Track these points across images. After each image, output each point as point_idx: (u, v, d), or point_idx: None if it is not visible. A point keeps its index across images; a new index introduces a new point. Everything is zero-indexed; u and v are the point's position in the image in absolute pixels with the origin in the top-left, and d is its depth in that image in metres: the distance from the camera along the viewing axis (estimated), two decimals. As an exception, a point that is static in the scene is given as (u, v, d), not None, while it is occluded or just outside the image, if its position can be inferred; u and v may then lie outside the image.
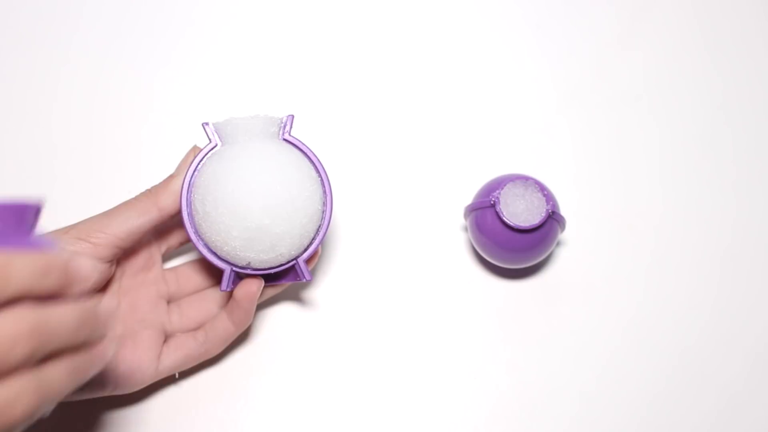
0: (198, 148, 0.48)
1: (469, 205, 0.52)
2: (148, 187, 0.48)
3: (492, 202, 0.49)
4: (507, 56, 0.61)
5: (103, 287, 0.48)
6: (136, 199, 0.47)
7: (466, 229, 0.55)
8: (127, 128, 0.59)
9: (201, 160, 0.46)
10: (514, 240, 0.50)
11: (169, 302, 0.50)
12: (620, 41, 0.61)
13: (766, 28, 0.62)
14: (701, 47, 0.62)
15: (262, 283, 0.47)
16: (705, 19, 0.62)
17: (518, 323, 0.54)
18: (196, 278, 0.51)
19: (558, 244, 0.55)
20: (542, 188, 0.50)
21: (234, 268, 0.46)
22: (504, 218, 0.49)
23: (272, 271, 0.46)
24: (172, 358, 0.48)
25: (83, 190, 0.56)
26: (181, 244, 0.52)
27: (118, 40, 0.61)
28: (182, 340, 0.48)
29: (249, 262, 0.45)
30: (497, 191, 0.50)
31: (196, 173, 0.46)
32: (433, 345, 0.53)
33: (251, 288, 0.46)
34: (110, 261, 0.47)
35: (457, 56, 0.61)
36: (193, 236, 0.45)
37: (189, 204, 0.46)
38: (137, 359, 0.46)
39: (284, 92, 0.60)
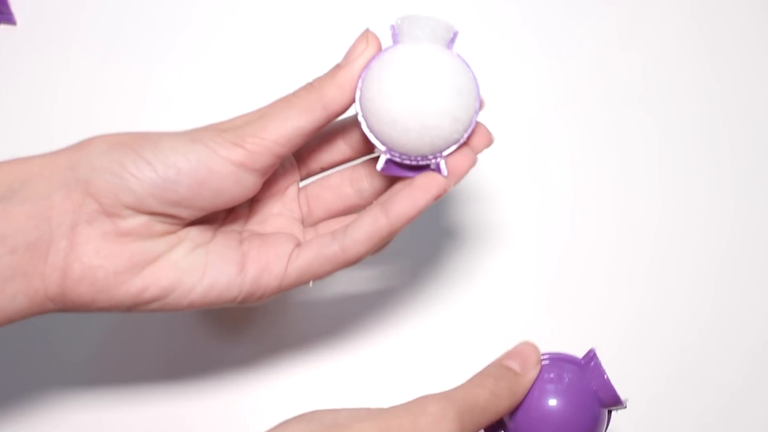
0: (371, 33, 0.40)
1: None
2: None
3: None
4: (506, 56, 0.61)
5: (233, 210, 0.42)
6: (296, 95, 0.40)
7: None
8: (126, 123, 0.58)
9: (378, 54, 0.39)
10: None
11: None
12: (620, 41, 0.62)
13: (766, 28, 0.62)
14: (701, 48, 0.62)
15: (476, 160, 0.41)
16: (705, 20, 0.62)
17: (518, 323, 0.54)
18: (328, 198, 0.45)
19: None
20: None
21: (391, 153, 0.40)
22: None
23: (421, 162, 0.40)
24: (303, 257, 0.40)
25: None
26: (323, 169, 0.45)
27: (119, 36, 0.61)
28: (316, 239, 0.41)
29: (406, 152, 0.40)
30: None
31: (373, 61, 0.40)
32: (432, 345, 0.53)
33: (463, 163, 0.40)
34: (265, 173, 0.39)
35: (457, 56, 0.61)
36: (363, 125, 0.40)
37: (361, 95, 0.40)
38: (264, 258, 0.41)
39: (283, 86, 0.60)
